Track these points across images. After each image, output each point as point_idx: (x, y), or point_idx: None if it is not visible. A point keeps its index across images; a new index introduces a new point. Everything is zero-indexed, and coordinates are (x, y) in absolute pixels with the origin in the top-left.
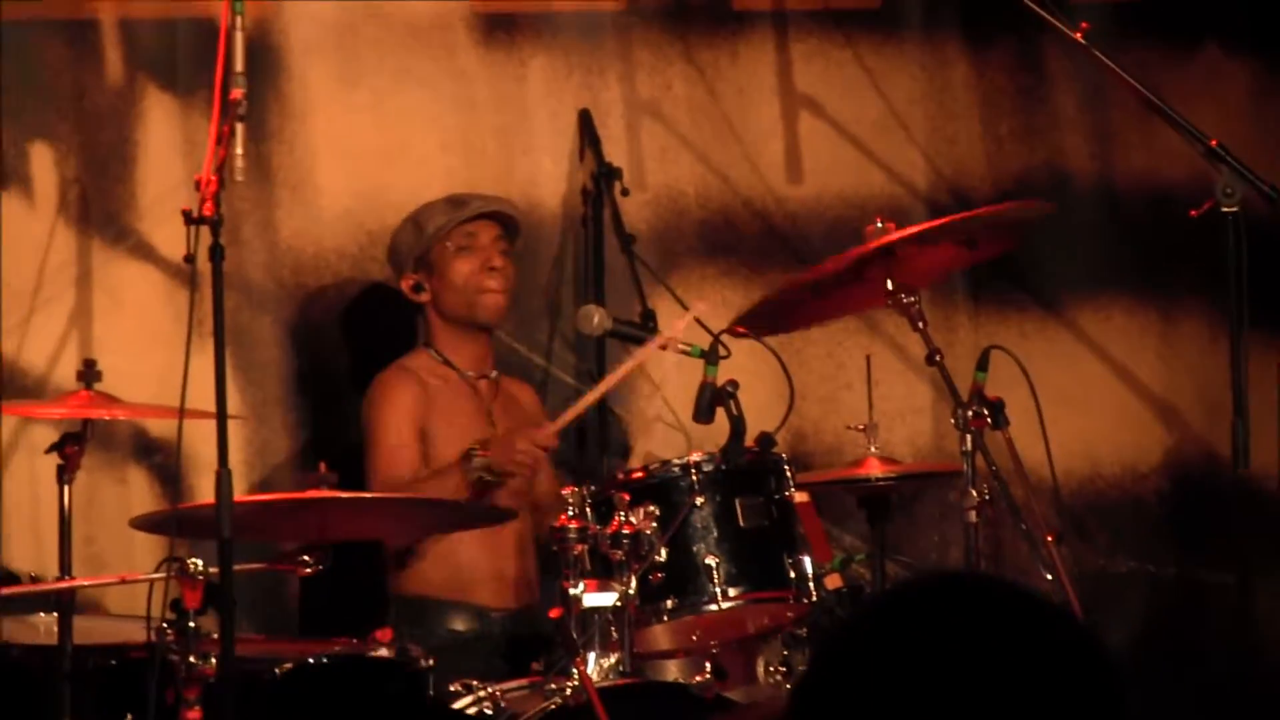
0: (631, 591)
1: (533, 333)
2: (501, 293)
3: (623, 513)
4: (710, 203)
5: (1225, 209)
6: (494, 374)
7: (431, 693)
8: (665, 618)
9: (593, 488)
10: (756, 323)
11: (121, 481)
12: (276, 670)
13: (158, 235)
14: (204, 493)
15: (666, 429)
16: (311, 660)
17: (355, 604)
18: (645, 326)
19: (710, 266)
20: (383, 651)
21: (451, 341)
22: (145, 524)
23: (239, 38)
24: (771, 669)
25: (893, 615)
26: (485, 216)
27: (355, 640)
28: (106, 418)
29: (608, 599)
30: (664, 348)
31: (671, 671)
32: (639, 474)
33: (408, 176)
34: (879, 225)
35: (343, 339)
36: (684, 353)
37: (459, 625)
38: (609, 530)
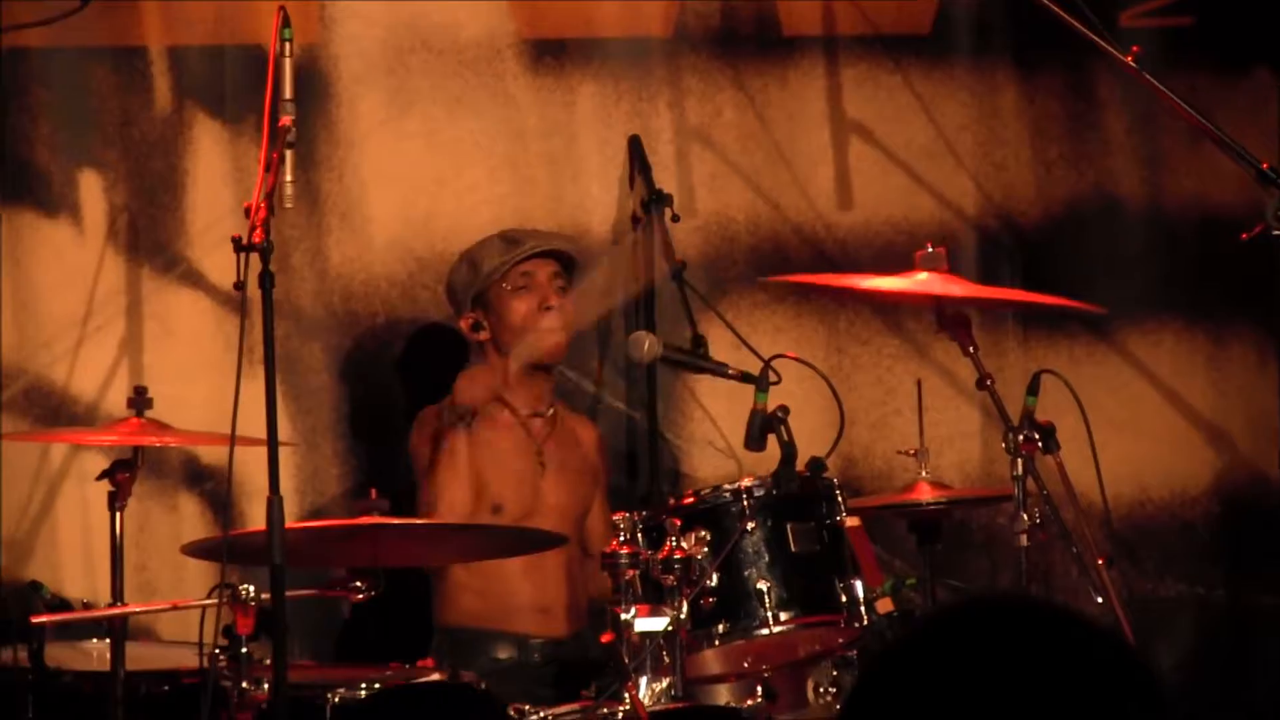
0: (683, 616)
1: (583, 359)
2: (560, 330)
3: (674, 538)
4: (760, 229)
5: (1276, 232)
6: (550, 411)
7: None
8: (717, 642)
9: (644, 513)
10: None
11: (173, 508)
12: (329, 695)
13: (207, 262)
14: (255, 519)
15: (717, 454)
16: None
17: (398, 634)
18: (696, 353)
19: (760, 292)
20: (435, 677)
21: (508, 380)
22: (197, 550)
23: (288, 65)
24: (822, 691)
25: (941, 636)
26: (542, 254)
27: (406, 666)
28: (157, 445)
29: (659, 624)
30: None
31: (723, 695)
32: (690, 499)
33: (457, 203)
34: (929, 250)
35: (396, 371)
36: (734, 379)
37: (500, 654)
38: (660, 555)
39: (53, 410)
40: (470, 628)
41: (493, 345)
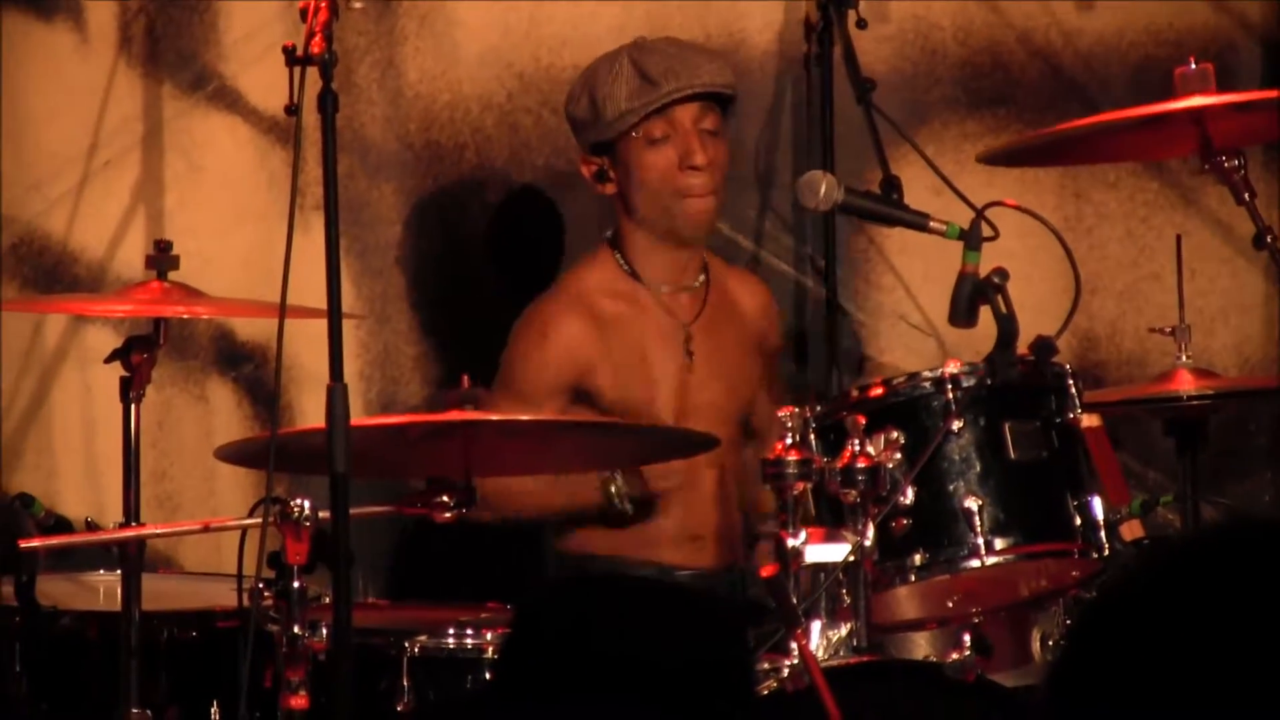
0: (868, 543)
1: (739, 207)
2: (709, 195)
3: (857, 441)
4: (973, 38)
5: None
6: (699, 281)
7: None
8: (912, 577)
9: (819, 408)
10: (1019, 157)
11: (202, 399)
12: (406, 644)
13: (248, 80)
14: (310, 414)
15: (912, 332)
16: None
17: (503, 563)
18: (887, 198)
19: (972, 122)
20: None
21: (642, 247)
22: (234, 455)
23: None
24: (1050, 644)
25: (1192, 575)
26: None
27: (508, 606)
28: (184, 316)
29: (837, 553)
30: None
31: (920, 647)
32: (878, 391)
33: (571, 4)
34: (1192, 66)
35: (490, 225)
36: (938, 233)
37: None
38: (839, 464)
39: (48, 271)
40: (598, 556)
41: (620, 201)
